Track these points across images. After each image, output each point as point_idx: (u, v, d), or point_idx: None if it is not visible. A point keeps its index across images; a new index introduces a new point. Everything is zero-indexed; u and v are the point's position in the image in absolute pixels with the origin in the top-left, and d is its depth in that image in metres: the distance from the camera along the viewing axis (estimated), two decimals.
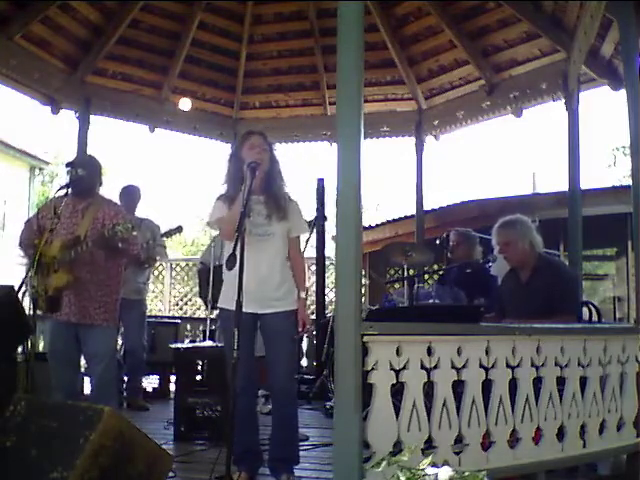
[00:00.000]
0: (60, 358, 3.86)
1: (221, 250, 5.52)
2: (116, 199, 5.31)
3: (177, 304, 10.60)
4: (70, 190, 3.78)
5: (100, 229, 3.76)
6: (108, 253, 3.79)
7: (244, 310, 3.18)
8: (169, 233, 5.20)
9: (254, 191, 3.33)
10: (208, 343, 5.39)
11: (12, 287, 3.71)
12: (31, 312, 3.58)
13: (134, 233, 3.77)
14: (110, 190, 4.88)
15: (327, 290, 8.19)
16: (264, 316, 3.31)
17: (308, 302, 3.49)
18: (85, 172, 3.85)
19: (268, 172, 3.39)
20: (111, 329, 3.95)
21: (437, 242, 5.64)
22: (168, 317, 8.79)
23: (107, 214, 3.86)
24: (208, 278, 5.50)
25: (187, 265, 10.82)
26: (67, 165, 3.97)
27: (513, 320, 3.71)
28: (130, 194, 5.60)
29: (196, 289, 10.56)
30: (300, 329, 3.32)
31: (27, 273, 3.63)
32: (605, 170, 21.35)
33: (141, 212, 5.73)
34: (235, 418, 3.10)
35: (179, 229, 5.19)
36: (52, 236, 3.68)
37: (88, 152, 3.98)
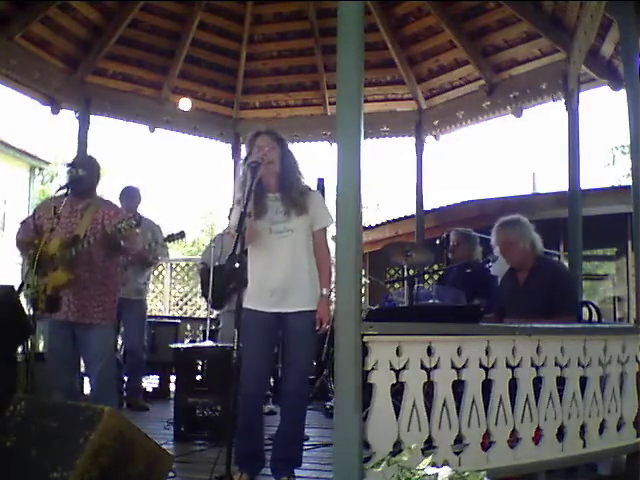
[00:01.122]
0: (58, 358, 3.86)
1: (221, 250, 5.53)
2: (116, 200, 5.34)
3: (177, 304, 10.59)
4: (70, 190, 3.79)
5: (100, 229, 3.77)
6: (109, 252, 3.80)
7: (266, 310, 3.22)
8: (171, 238, 5.24)
9: (270, 189, 3.34)
10: (208, 343, 5.39)
11: (12, 287, 3.72)
12: (31, 312, 3.58)
13: (137, 230, 3.77)
14: (110, 190, 4.89)
15: None
16: (288, 315, 3.27)
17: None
18: (85, 172, 3.87)
19: (280, 169, 3.34)
20: (109, 328, 3.95)
21: (437, 242, 5.64)
22: (168, 317, 8.78)
23: (106, 215, 3.86)
24: (209, 278, 5.51)
25: (187, 265, 10.80)
26: (67, 165, 3.97)
27: (513, 320, 3.71)
28: (130, 195, 5.60)
29: (196, 289, 10.59)
30: (317, 327, 3.24)
31: (27, 273, 3.63)
32: (604, 169, 21.36)
33: (141, 212, 5.72)
34: (242, 421, 3.11)
35: (182, 234, 5.22)
36: (51, 235, 3.68)
37: (88, 152, 3.99)
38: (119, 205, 5.09)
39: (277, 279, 3.22)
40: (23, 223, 4.02)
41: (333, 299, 3.29)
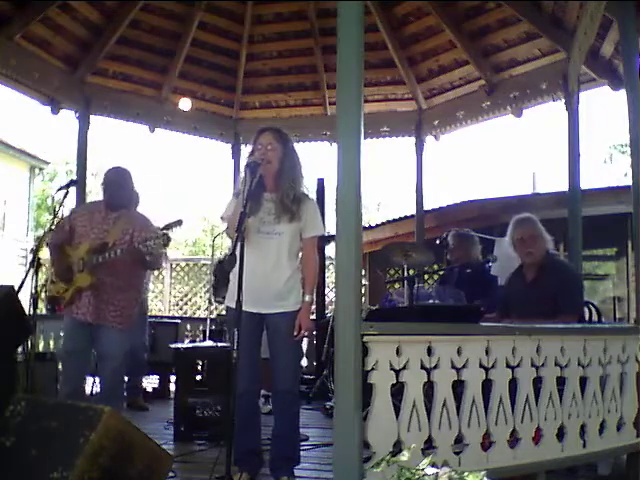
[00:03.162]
0: (74, 357, 3.88)
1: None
2: None
3: (177, 304, 10.62)
4: (104, 202, 3.94)
5: (128, 240, 3.84)
6: (134, 262, 3.86)
7: (248, 310, 3.17)
8: (169, 226, 5.25)
9: (267, 189, 3.33)
10: (208, 343, 5.39)
11: (12, 287, 3.72)
12: (31, 312, 3.60)
13: (162, 250, 3.85)
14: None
15: (327, 290, 8.21)
16: (268, 316, 3.29)
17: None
18: (117, 188, 3.97)
19: (279, 170, 3.31)
20: (124, 332, 3.98)
21: (437, 242, 5.64)
22: (168, 317, 8.80)
23: (137, 228, 3.93)
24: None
25: (187, 265, 10.83)
26: (102, 181, 4.03)
27: (518, 320, 3.71)
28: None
29: (196, 289, 10.62)
30: (296, 333, 3.23)
31: (37, 273, 3.69)
32: (601, 166, 21.31)
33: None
34: (237, 418, 3.10)
35: (179, 222, 5.24)
36: (81, 239, 3.84)
37: (119, 164, 4.10)
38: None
39: (257, 279, 3.20)
40: (59, 225, 4.00)
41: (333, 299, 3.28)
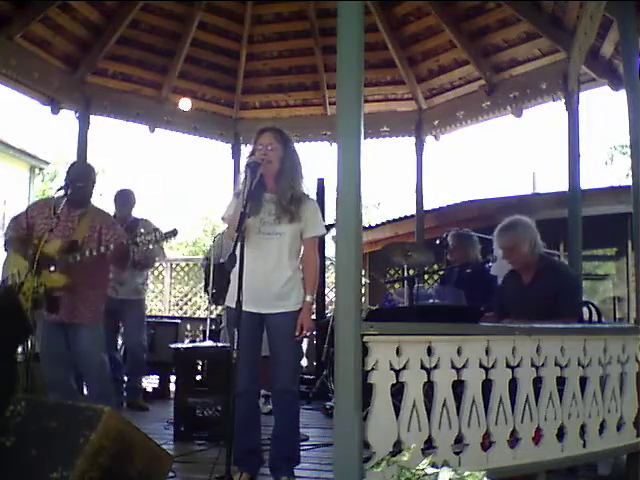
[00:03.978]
0: (53, 358, 3.87)
1: (221, 249, 5.56)
2: (111, 203, 5.38)
3: (177, 304, 10.63)
4: (67, 199, 3.85)
5: (97, 238, 3.82)
6: (109, 260, 3.85)
7: (249, 309, 3.17)
8: (165, 236, 5.25)
9: (268, 189, 3.33)
10: (208, 343, 5.39)
11: (12, 287, 3.72)
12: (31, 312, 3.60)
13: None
14: (108, 190, 4.92)
15: (327, 290, 8.21)
16: (268, 316, 3.29)
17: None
18: (83, 183, 3.94)
19: (279, 170, 3.31)
20: (99, 329, 3.99)
21: (437, 242, 5.65)
22: (168, 317, 8.80)
23: (104, 225, 3.92)
24: (209, 273, 5.60)
25: (187, 265, 10.84)
26: (65, 177, 4.01)
27: (517, 320, 3.71)
28: (125, 198, 5.60)
29: (196, 289, 10.63)
30: (297, 333, 3.24)
31: (13, 272, 3.68)
32: (602, 167, 21.31)
33: (139, 212, 5.73)
34: (237, 418, 3.10)
35: (174, 232, 5.25)
36: (50, 236, 3.73)
37: (84, 160, 4.06)
38: (113, 208, 5.15)
39: (257, 280, 3.19)
40: (14, 220, 4.04)
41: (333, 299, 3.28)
